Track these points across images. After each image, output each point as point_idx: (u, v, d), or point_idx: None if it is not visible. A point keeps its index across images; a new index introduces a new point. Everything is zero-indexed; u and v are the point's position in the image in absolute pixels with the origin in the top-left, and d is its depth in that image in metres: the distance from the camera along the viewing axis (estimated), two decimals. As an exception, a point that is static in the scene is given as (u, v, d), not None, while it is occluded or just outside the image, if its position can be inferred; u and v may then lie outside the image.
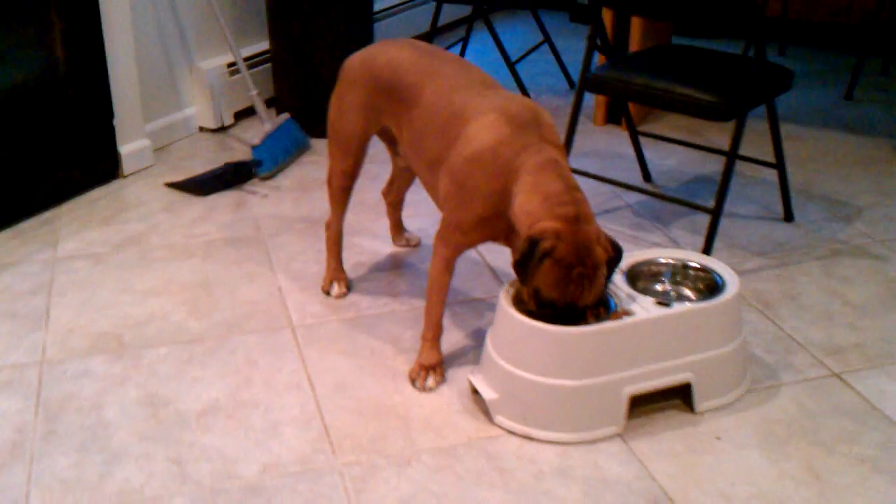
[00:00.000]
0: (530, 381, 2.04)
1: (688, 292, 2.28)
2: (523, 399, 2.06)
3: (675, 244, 2.89)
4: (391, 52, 2.33)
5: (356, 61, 2.39)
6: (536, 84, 4.35)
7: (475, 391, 2.17)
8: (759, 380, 2.27)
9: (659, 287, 2.30)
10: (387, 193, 2.82)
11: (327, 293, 2.61)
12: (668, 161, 3.51)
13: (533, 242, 1.94)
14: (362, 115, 2.37)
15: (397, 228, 2.88)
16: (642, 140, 3.64)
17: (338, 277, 2.63)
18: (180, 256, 2.82)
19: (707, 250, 2.68)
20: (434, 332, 2.25)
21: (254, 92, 3.44)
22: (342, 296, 2.60)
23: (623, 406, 2.07)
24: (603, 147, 3.63)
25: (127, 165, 3.34)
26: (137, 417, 2.13)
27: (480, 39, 4.96)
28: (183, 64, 3.62)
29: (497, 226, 2.09)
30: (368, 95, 2.34)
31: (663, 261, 2.30)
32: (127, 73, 3.27)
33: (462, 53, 4.46)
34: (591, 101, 4.05)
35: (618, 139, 3.69)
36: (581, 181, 3.30)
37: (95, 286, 2.65)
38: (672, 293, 2.29)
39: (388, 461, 2.00)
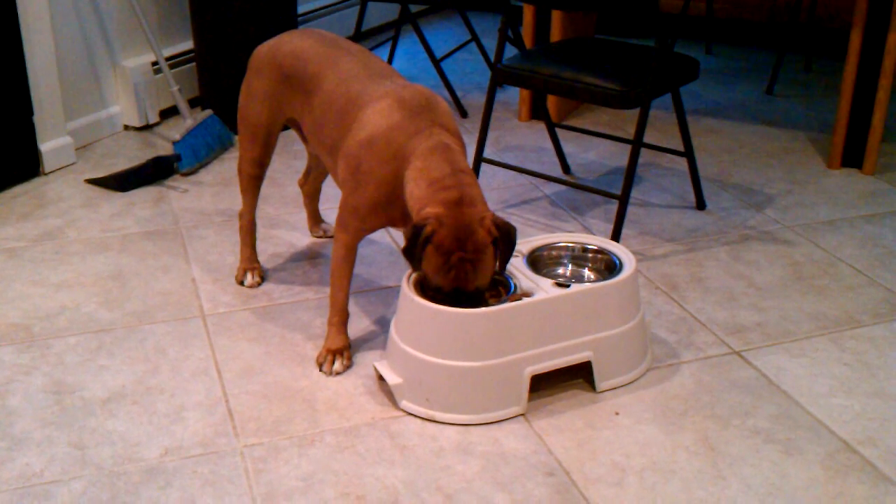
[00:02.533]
0: (432, 364, 2.06)
1: (588, 274, 2.33)
2: (426, 382, 2.08)
3: (589, 232, 2.94)
4: (295, 42, 2.37)
5: (263, 51, 2.42)
6: (465, 83, 4.39)
7: (381, 378, 2.19)
8: (661, 358, 2.32)
9: (560, 270, 2.34)
10: (303, 184, 2.82)
11: (241, 283, 2.62)
12: (588, 154, 3.56)
13: (416, 229, 1.97)
14: (268, 104, 2.40)
15: (314, 219, 2.88)
16: (566, 134, 3.70)
17: (251, 267, 2.63)
18: (96, 250, 2.82)
19: (616, 235, 2.73)
20: (340, 317, 2.26)
21: (175, 88, 3.44)
22: (256, 285, 2.61)
23: (525, 386, 2.10)
24: (526, 141, 3.68)
25: (48, 163, 3.33)
26: (42, 405, 2.13)
27: (410, 41, 5.01)
28: (106, 62, 3.61)
29: (393, 211, 2.12)
30: (273, 84, 2.38)
31: (563, 244, 2.34)
32: (46, 71, 3.27)
33: (391, 55, 4.50)
34: (517, 97, 4.11)
35: (541, 134, 3.74)
36: (501, 173, 3.37)
37: (9, 280, 2.65)
38: (569, 275, 2.33)
39: (290, 442, 2.02)
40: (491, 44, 4.83)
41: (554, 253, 2.34)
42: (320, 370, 2.25)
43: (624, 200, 2.72)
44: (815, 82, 4.41)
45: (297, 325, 2.44)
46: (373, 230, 2.20)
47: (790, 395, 2.19)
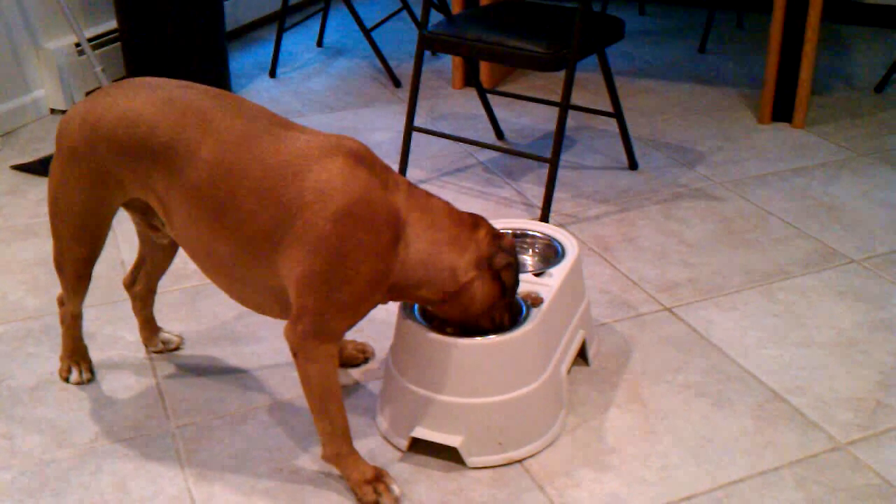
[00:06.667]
0: (502, 403, 1.86)
1: (528, 259, 2.22)
2: (496, 426, 1.87)
3: (523, 196, 2.94)
4: (121, 104, 1.79)
5: (74, 123, 1.82)
6: (399, 52, 4.36)
7: (411, 446, 1.92)
8: (595, 319, 2.33)
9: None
10: (130, 283, 2.19)
11: (66, 380, 2.14)
12: (521, 119, 3.56)
13: (510, 264, 1.80)
14: (94, 191, 1.85)
15: (150, 328, 2.24)
16: (501, 100, 3.69)
17: (76, 361, 2.15)
18: (22, 237, 2.77)
19: (548, 198, 2.73)
20: (349, 443, 1.80)
21: (98, 69, 3.38)
22: (87, 382, 2.13)
23: (564, 386, 2.00)
24: (460, 109, 3.67)
25: (-29, 151, 3.26)
26: (-32, 396, 2.10)
27: (342, 14, 4.96)
28: (28, 45, 3.53)
29: (384, 287, 1.74)
30: (99, 165, 1.81)
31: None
32: (-36, 56, 3.19)
33: (322, 29, 4.45)
34: (449, 64, 4.09)
35: (475, 101, 3.73)
36: (434, 142, 3.36)
37: (-68, 272, 2.59)
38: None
39: (222, 421, 2.01)
40: (424, 12, 4.79)
41: None
42: None
43: (554, 163, 2.72)
44: (747, 38, 4.44)
45: (229, 304, 2.41)
46: (356, 324, 1.78)
47: (720, 348, 2.22)
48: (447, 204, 1.80)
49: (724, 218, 2.80)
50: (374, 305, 1.76)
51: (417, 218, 1.73)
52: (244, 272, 1.75)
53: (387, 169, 1.75)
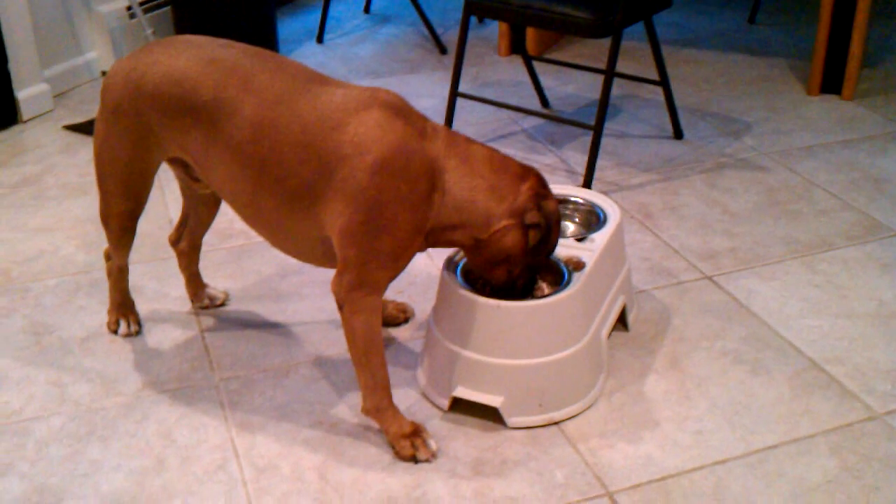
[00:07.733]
0: (543, 364, 1.88)
1: (570, 225, 2.23)
2: (537, 387, 1.89)
3: (566, 164, 2.95)
4: (164, 62, 1.83)
5: (118, 80, 1.87)
6: (446, 19, 4.37)
7: (451, 405, 1.95)
8: (634, 285, 2.33)
9: None
10: (176, 240, 2.23)
11: (115, 332, 2.20)
12: (567, 87, 3.55)
13: (538, 225, 1.79)
14: (137, 147, 1.89)
15: (196, 284, 2.28)
16: (547, 67, 3.69)
17: (124, 314, 2.20)
18: (74, 194, 2.83)
19: (591, 165, 2.73)
20: (389, 398, 1.84)
21: (149, 31, 3.43)
22: (135, 334, 2.19)
23: (605, 350, 2.02)
24: (505, 76, 3.67)
25: (25, 110, 3.32)
26: (20, 345, 2.16)
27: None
28: (80, 8, 3.59)
29: (421, 235, 1.77)
30: (143, 123, 1.86)
31: None
32: (20, 19, 3.25)
33: (371, -8, 4.47)
34: (496, 31, 4.09)
35: (520, 68, 3.73)
36: (479, 108, 3.37)
37: (-13, 226, 2.67)
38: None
39: (265, 375, 2.06)
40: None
41: None
42: (415, 462, 1.81)
43: (598, 131, 2.72)
44: (798, 9, 4.37)
45: (274, 262, 2.46)
46: (399, 273, 1.81)
47: (760, 317, 2.22)
48: (490, 150, 1.81)
49: (769, 188, 2.79)
50: (414, 254, 1.79)
51: (455, 165, 1.75)
52: (287, 223, 1.80)
53: (423, 118, 1.78)
